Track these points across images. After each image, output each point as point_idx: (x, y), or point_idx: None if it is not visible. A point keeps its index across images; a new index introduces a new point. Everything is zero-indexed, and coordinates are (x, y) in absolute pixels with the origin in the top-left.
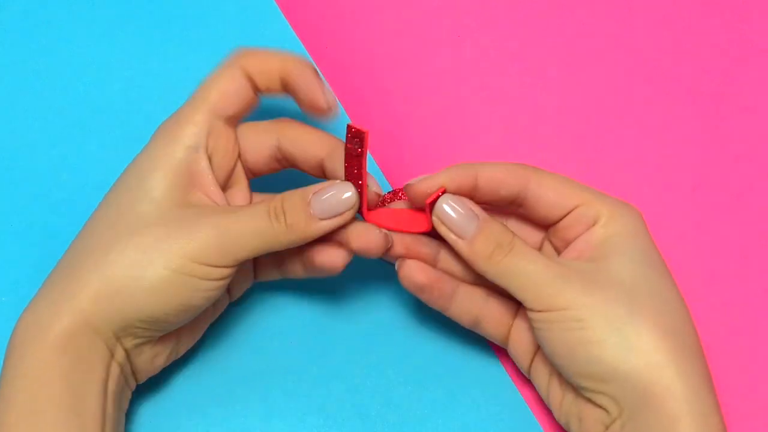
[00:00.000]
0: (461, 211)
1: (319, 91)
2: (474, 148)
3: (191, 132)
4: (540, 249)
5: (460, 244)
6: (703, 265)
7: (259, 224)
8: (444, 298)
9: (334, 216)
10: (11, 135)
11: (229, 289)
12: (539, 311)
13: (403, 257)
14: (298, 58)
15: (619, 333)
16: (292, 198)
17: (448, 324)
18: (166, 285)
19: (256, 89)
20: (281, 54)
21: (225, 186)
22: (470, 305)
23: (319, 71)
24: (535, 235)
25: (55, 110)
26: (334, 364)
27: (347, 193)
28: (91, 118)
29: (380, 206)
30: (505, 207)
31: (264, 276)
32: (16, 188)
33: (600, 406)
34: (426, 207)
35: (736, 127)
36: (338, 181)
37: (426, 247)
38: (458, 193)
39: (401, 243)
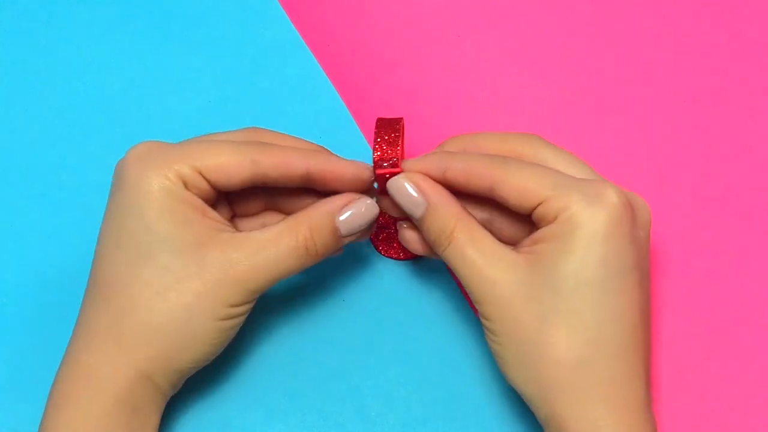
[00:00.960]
0: (410, 194)
1: (359, 167)
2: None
3: (175, 174)
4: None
5: (416, 222)
6: (703, 264)
7: (289, 259)
8: None
9: (358, 231)
10: (11, 135)
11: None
12: (478, 311)
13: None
14: (318, 151)
15: (525, 357)
16: (322, 229)
17: (449, 324)
18: (214, 334)
19: (262, 181)
20: (300, 152)
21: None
22: None
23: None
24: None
25: (55, 110)
26: (334, 364)
27: (370, 209)
28: (91, 118)
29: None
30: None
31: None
32: (16, 188)
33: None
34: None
35: (736, 126)
36: (357, 197)
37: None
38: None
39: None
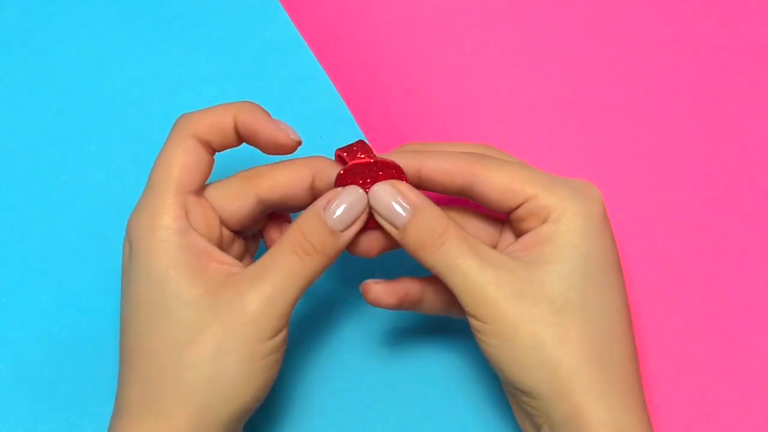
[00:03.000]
0: (393, 198)
1: (279, 128)
2: (475, 142)
3: (171, 218)
4: (500, 233)
5: (394, 233)
6: (704, 264)
7: (294, 270)
8: (413, 304)
9: (353, 222)
10: (11, 135)
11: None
12: (470, 315)
13: (366, 283)
14: (245, 103)
15: (541, 356)
16: (313, 229)
17: (449, 324)
18: (250, 376)
19: (213, 151)
20: (225, 106)
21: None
22: (439, 298)
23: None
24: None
25: (55, 110)
26: (334, 364)
27: (357, 200)
28: (91, 118)
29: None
30: (459, 196)
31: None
32: (16, 188)
33: (529, 412)
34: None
35: (736, 126)
36: (337, 189)
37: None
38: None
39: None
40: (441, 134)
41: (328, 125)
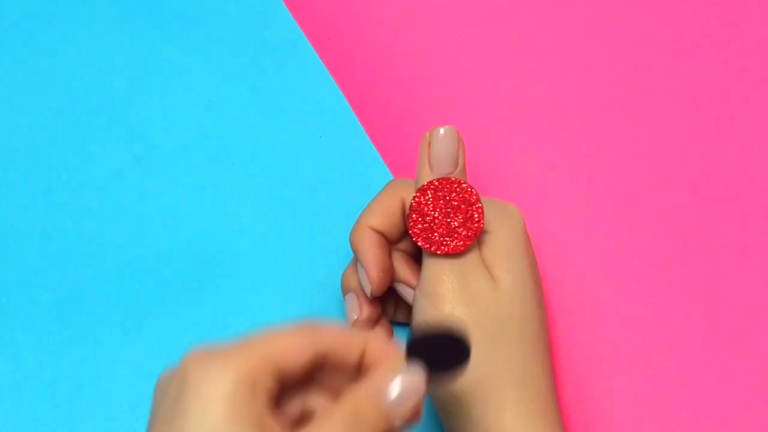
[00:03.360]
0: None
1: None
2: (475, 141)
3: (244, 374)
4: None
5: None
6: (703, 264)
7: None
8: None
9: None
10: (11, 135)
11: None
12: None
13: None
14: (379, 334)
15: (471, 368)
16: (365, 416)
17: None
18: None
19: (316, 367)
20: (359, 332)
21: None
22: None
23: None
24: None
25: (55, 110)
26: None
27: (417, 380)
28: (91, 118)
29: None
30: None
31: None
32: (16, 188)
33: (448, 424)
34: None
35: (736, 126)
36: (395, 368)
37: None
38: None
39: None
40: None
41: (330, 123)
